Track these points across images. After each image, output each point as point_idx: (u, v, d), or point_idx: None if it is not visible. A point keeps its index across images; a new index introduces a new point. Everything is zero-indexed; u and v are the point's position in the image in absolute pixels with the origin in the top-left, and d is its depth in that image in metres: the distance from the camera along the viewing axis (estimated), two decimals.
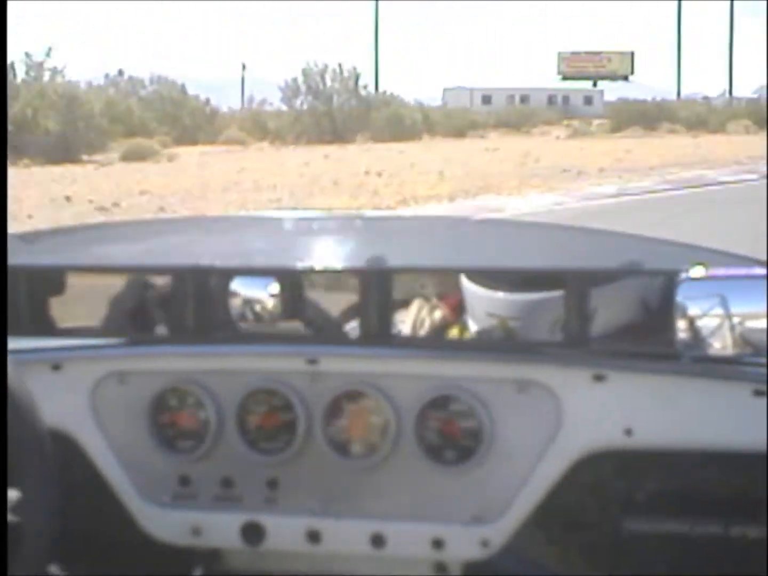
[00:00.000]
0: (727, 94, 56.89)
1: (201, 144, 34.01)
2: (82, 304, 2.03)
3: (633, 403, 1.65)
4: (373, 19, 59.79)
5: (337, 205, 14.54)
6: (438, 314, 1.90)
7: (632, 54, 62.01)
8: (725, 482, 1.71)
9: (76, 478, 1.68)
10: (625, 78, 61.11)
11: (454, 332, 1.89)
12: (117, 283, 2.00)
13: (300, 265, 1.85)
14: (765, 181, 16.17)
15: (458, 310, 1.88)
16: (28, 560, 1.43)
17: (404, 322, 1.89)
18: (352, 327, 1.84)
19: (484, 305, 1.81)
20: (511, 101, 58.31)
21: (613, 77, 61.25)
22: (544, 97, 60.39)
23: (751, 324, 1.60)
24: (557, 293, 1.73)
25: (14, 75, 27.54)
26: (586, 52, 62.49)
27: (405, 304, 1.91)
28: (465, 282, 1.84)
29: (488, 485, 1.69)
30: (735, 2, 58.70)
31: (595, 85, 60.29)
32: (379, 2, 57.86)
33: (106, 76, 41.89)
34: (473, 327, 1.84)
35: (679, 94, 59.14)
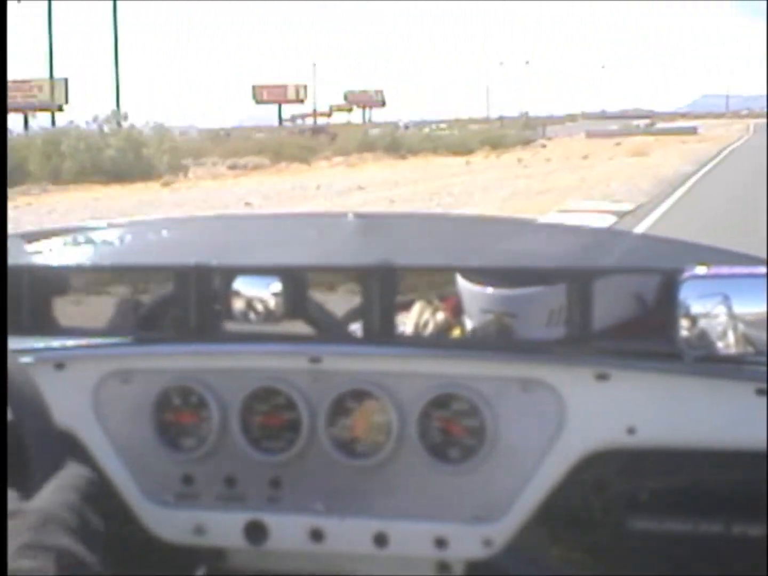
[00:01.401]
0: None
1: None
2: (84, 303, 2.03)
3: (636, 401, 1.65)
4: None
5: None
6: (440, 315, 1.90)
7: (66, 81, 54.58)
8: (728, 481, 1.72)
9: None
10: (60, 108, 53.07)
11: (456, 333, 1.89)
12: (119, 282, 2.01)
13: (302, 263, 1.85)
14: None
15: (460, 310, 1.89)
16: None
17: (407, 324, 1.89)
18: (355, 326, 1.85)
19: (478, 302, 1.81)
20: None
21: (47, 107, 52.95)
22: None
23: (753, 322, 1.61)
24: (549, 287, 1.73)
25: None
26: (14, 81, 53.88)
27: (407, 306, 1.91)
28: (459, 279, 1.84)
29: (491, 484, 1.69)
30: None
31: (26, 117, 50.77)
32: None
33: None
34: (469, 324, 1.84)
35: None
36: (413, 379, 1.71)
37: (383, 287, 1.73)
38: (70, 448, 1.71)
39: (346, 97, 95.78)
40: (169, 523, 1.78)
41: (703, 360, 1.62)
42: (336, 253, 1.87)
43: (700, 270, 1.62)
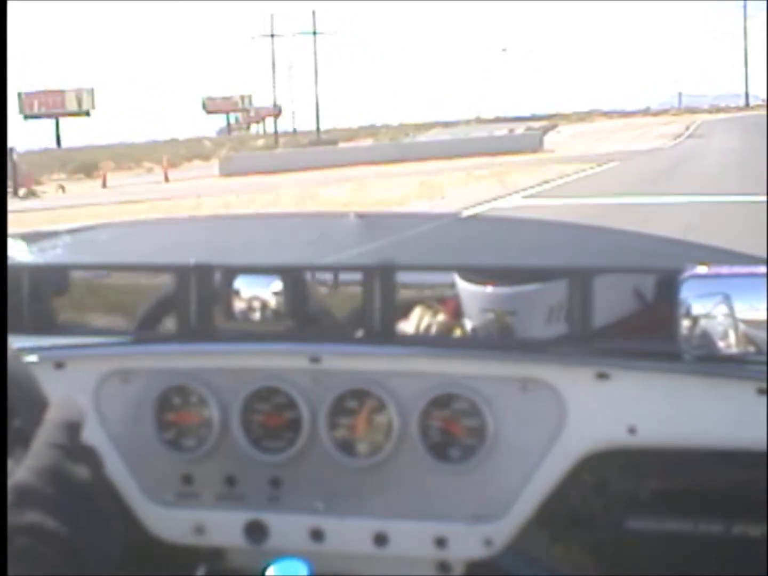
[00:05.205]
0: None
1: None
2: (84, 302, 2.03)
3: (636, 401, 1.65)
4: None
5: None
6: (440, 317, 1.90)
7: None
8: (728, 480, 1.71)
9: None
10: None
11: (457, 333, 1.88)
12: (120, 282, 2.00)
13: (303, 263, 1.85)
14: None
15: (460, 312, 1.88)
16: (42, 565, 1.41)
17: (407, 326, 1.89)
18: (355, 325, 1.84)
19: (478, 301, 1.81)
20: None
21: None
22: None
23: (754, 321, 1.60)
24: (548, 284, 1.73)
25: None
26: None
27: (406, 313, 1.91)
28: (458, 280, 1.84)
29: (491, 483, 1.69)
30: None
31: None
32: None
33: None
34: (469, 324, 1.84)
35: None
36: (413, 378, 1.71)
37: (383, 287, 1.73)
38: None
39: (204, 106, 74.55)
40: (170, 523, 1.77)
41: (704, 359, 1.62)
42: (336, 252, 1.87)
43: (701, 269, 1.61)
